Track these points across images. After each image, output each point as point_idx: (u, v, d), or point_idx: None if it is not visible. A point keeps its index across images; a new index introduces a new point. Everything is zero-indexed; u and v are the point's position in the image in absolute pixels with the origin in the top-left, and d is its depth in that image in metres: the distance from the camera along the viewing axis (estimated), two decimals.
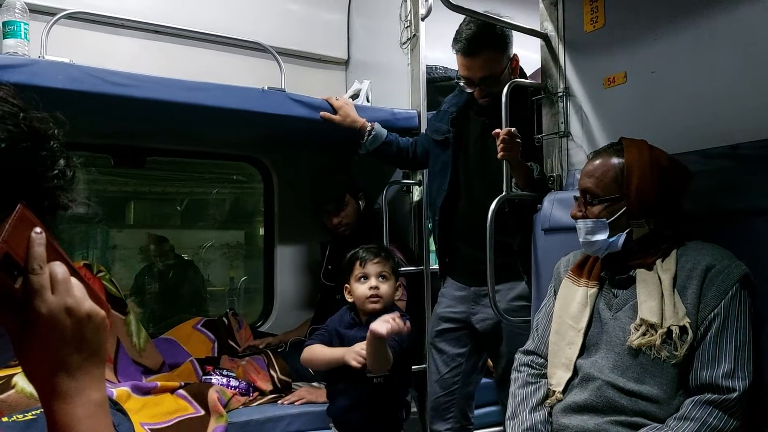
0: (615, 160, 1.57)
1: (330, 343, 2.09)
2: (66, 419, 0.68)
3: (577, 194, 1.65)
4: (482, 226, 2.21)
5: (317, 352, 2.07)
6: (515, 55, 2.30)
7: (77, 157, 0.75)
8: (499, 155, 2.03)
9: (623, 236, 1.55)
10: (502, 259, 2.18)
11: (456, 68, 3.06)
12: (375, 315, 1.98)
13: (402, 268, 2.45)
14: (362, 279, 2.07)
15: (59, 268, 0.69)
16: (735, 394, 1.36)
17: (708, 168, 1.67)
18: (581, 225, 1.59)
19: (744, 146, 1.64)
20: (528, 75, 2.73)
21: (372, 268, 2.07)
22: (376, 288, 2.04)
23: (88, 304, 0.71)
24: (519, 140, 2.03)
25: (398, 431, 2.11)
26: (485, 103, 2.32)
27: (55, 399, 0.68)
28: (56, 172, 0.70)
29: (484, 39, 2.21)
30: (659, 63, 1.89)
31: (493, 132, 2.04)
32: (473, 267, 2.38)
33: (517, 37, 2.31)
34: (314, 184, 3.05)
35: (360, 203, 2.94)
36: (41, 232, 0.68)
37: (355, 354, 1.94)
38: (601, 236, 1.56)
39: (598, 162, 1.60)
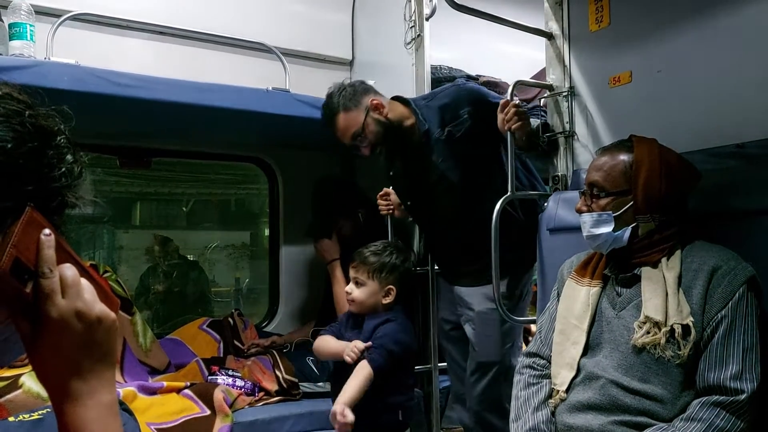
0: (624, 155, 1.56)
1: (337, 337, 2.18)
2: (77, 421, 0.68)
3: (581, 195, 1.64)
4: (454, 229, 2.34)
5: (325, 341, 2.17)
6: (371, 99, 2.24)
7: (84, 153, 0.74)
8: (513, 126, 2.01)
9: (628, 231, 1.54)
10: (480, 263, 2.20)
11: (460, 68, 3.10)
12: (368, 317, 2.13)
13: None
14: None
15: (69, 271, 0.68)
16: (743, 396, 1.35)
17: (714, 167, 1.66)
18: (586, 219, 1.58)
19: (750, 145, 1.63)
20: (531, 75, 2.75)
21: (351, 272, 2.19)
22: (349, 293, 2.15)
23: (98, 308, 0.70)
24: (525, 110, 2.08)
25: None
26: (381, 153, 2.29)
27: (66, 401, 0.68)
28: (64, 170, 0.69)
29: (329, 111, 2.26)
30: (665, 62, 1.88)
31: (502, 101, 2.06)
32: (454, 268, 2.45)
33: (521, 36, 2.31)
34: (310, 226, 3.10)
35: (360, 216, 2.98)
36: (50, 234, 0.67)
37: (350, 350, 2.03)
38: (606, 229, 1.55)
39: (607, 156, 1.59)
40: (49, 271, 0.66)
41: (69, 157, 0.70)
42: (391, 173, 2.51)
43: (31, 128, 0.66)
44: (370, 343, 2.04)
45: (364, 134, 2.23)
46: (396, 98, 2.36)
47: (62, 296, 0.67)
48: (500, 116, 2.05)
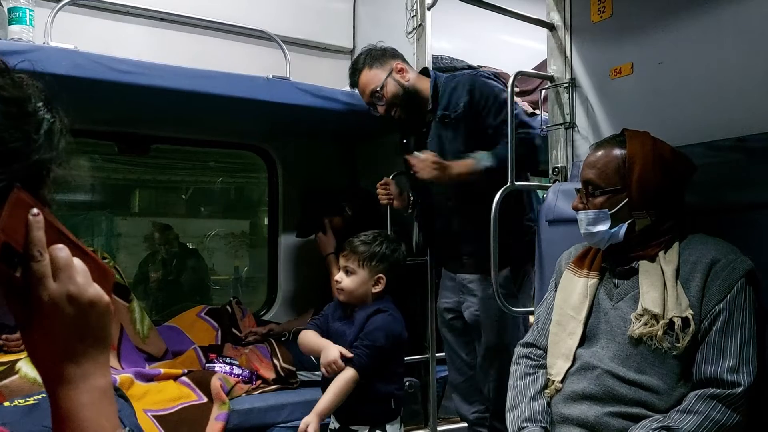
0: (617, 151, 1.55)
1: (322, 330, 2.15)
2: (70, 405, 0.67)
3: (579, 186, 1.64)
4: (452, 214, 2.39)
5: (307, 337, 2.13)
6: (397, 63, 2.41)
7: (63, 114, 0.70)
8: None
9: (624, 227, 1.54)
10: (480, 253, 2.20)
11: (462, 59, 3.08)
12: (358, 307, 2.10)
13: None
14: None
15: (61, 253, 0.67)
16: (740, 389, 1.35)
17: (714, 160, 1.65)
18: (582, 216, 1.58)
19: (751, 139, 1.62)
20: (533, 67, 2.74)
21: (341, 260, 2.16)
22: (338, 282, 2.13)
23: (91, 291, 0.68)
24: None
25: (386, 422, 2.10)
26: (397, 116, 2.40)
27: (59, 385, 0.67)
28: (42, 133, 0.66)
29: (354, 66, 2.45)
30: (666, 54, 1.87)
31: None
32: (456, 255, 2.45)
33: (523, 27, 2.30)
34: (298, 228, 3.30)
35: (347, 212, 3.02)
36: (38, 214, 0.65)
37: (328, 363, 1.99)
38: (602, 227, 1.55)
39: (600, 153, 1.58)
40: (39, 254, 0.65)
41: (47, 116, 0.67)
42: (404, 140, 2.54)
43: (1, 105, 0.63)
44: (347, 352, 2.01)
45: (382, 93, 2.36)
46: (424, 71, 2.49)
47: (54, 279, 0.66)
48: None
